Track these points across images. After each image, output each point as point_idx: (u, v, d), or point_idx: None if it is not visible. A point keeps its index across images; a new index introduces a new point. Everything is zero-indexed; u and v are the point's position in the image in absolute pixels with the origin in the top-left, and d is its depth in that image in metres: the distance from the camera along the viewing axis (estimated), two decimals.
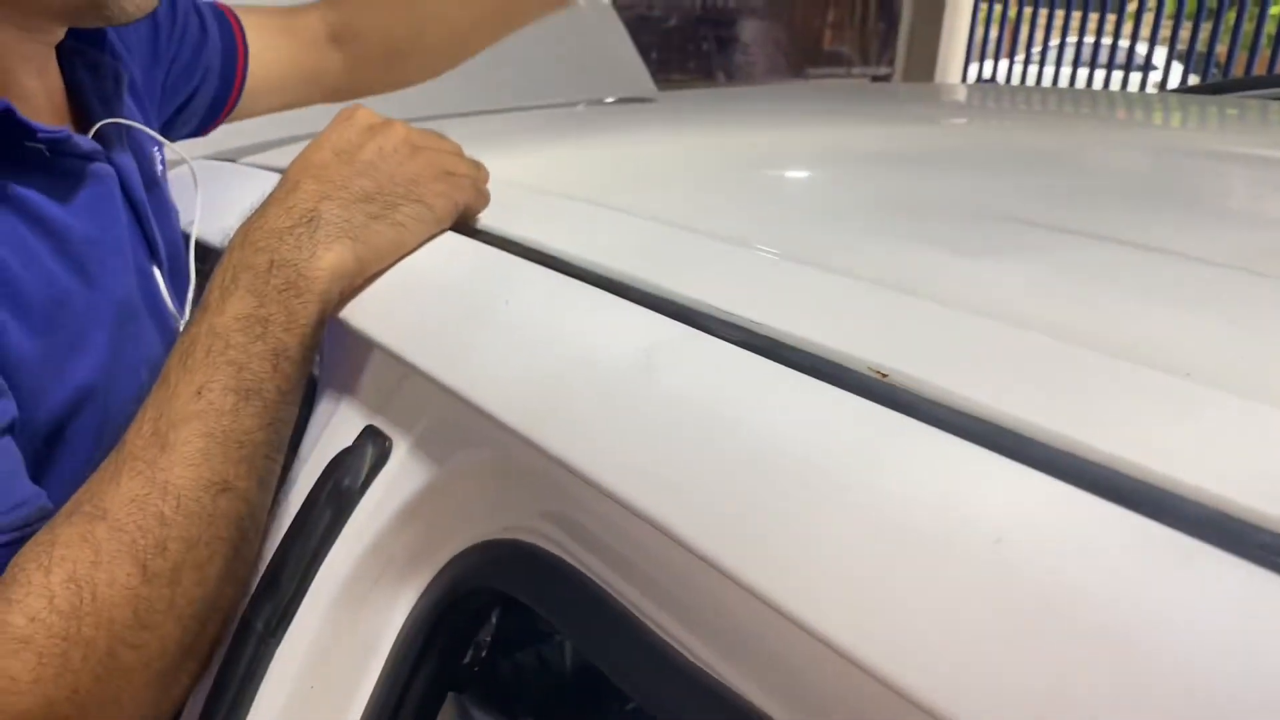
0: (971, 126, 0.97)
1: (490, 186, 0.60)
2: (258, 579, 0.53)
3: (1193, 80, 7.17)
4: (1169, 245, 0.51)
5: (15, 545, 0.48)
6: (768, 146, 0.81)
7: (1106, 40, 7.36)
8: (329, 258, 0.53)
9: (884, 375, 0.39)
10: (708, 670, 0.38)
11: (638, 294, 0.45)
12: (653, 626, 0.41)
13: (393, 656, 0.50)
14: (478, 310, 0.49)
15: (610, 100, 1.27)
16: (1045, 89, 1.87)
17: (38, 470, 0.55)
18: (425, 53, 0.92)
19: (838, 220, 0.60)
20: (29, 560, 0.46)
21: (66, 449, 0.57)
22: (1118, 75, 7.14)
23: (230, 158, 0.87)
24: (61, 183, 0.58)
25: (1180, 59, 7.54)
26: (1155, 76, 7.61)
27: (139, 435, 0.49)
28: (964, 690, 0.28)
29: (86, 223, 0.59)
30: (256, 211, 0.55)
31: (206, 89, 0.80)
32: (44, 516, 0.50)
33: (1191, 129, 0.98)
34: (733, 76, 5.47)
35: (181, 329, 0.62)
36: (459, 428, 0.49)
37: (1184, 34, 7.03)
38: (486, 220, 0.58)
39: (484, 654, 0.56)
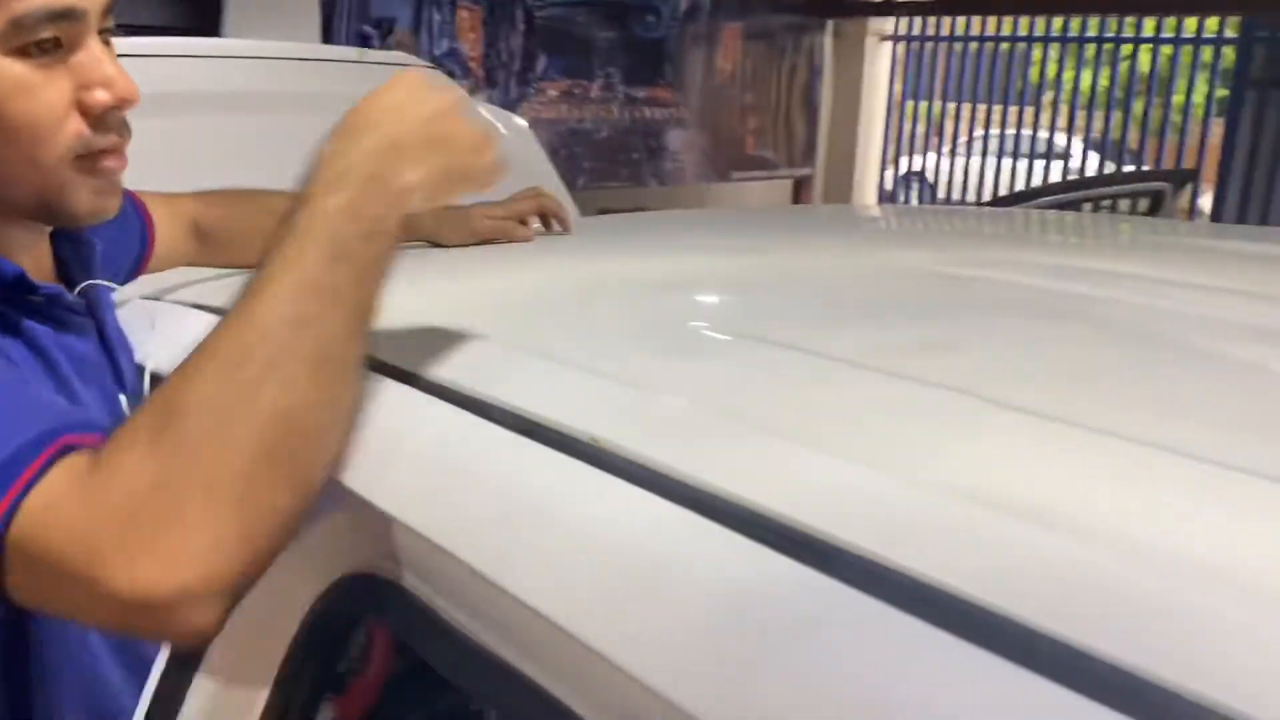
0: (762, 256, 1.21)
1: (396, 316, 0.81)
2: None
3: (1109, 167, 7.64)
4: (819, 348, 0.73)
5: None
6: (590, 276, 1.05)
7: (1027, 131, 7.84)
8: (410, 177, 0.65)
9: (596, 441, 0.60)
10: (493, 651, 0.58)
11: (433, 389, 0.67)
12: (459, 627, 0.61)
13: (284, 664, 0.70)
14: None
15: None
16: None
17: None
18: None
19: (617, 337, 0.82)
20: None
21: None
22: (1039, 164, 7.57)
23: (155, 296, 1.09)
24: (56, 326, 0.79)
25: (1095, 147, 8.04)
26: (1074, 163, 8.09)
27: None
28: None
29: (72, 358, 0.79)
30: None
31: (127, 264, 1.05)
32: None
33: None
34: (663, 182, 5.79)
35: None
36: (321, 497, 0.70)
37: (1098, 124, 7.52)
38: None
39: (355, 664, 0.75)
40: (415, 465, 0.62)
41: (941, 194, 8.10)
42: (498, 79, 5.46)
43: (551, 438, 0.60)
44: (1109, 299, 0.93)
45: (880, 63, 7.49)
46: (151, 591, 0.54)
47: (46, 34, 0.68)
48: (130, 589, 0.54)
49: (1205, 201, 6.73)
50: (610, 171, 5.61)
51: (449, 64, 5.22)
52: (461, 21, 5.33)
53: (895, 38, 7.48)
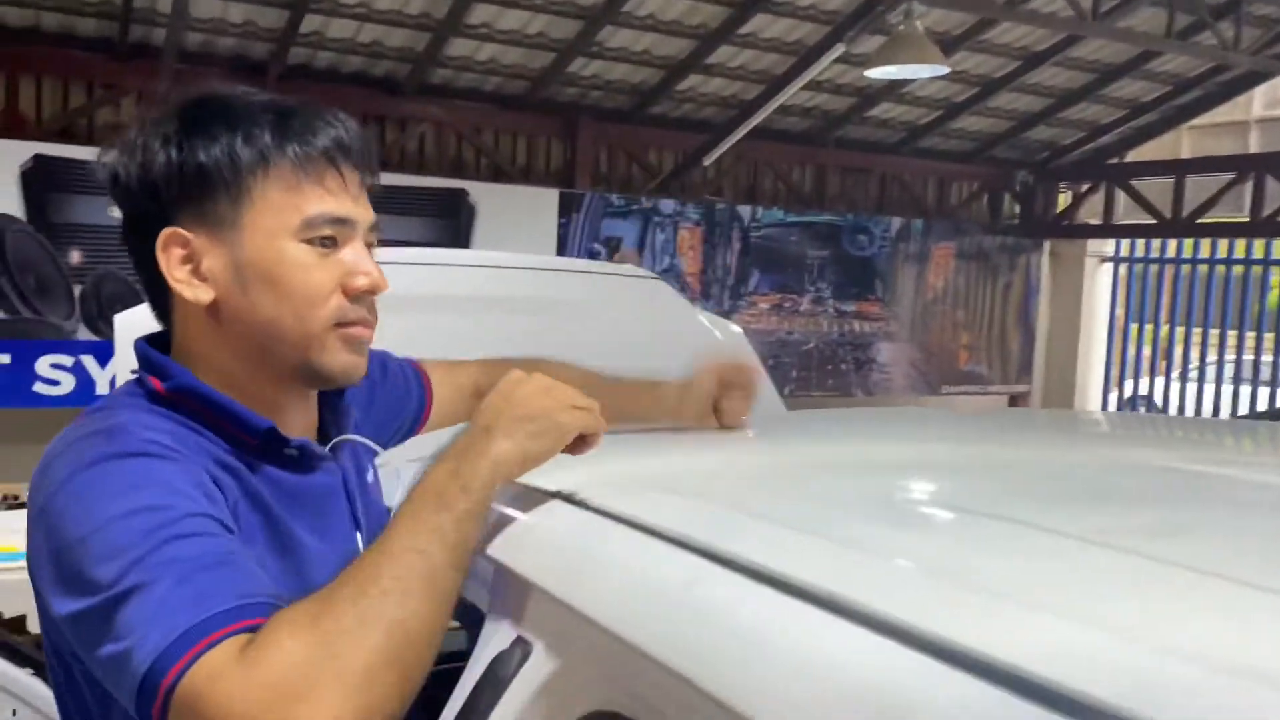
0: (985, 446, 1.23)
1: (597, 477, 0.90)
2: None
3: None
4: (1046, 523, 0.75)
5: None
6: (814, 458, 1.10)
7: (1267, 358, 7.40)
8: (498, 447, 0.85)
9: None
10: None
11: (680, 543, 0.73)
12: None
13: None
14: (583, 558, 0.78)
15: None
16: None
17: None
18: None
19: (846, 509, 0.87)
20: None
21: None
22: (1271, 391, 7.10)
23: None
24: (305, 471, 0.94)
25: None
26: None
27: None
28: None
29: (313, 495, 0.95)
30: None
31: (404, 423, 1.21)
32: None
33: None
34: (870, 392, 5.80)
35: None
36: (574, 635, 0.76)
37: None
38: (590, 497, 0.87)
39: None
40: (662, 608, 0.68)
41: None
42: (712, 292, 5.75)
43: (798, 590, 0.64)
44: None
45: (1100, 283, 7.37)
46: None
47: (326, 232, 0.89)
48: None
49: None
50: (817, 381, 5.71)
51: (667, 279, 5.57)
52: (682, 240, 5.71)
53: (1116, 259, 7.37)
